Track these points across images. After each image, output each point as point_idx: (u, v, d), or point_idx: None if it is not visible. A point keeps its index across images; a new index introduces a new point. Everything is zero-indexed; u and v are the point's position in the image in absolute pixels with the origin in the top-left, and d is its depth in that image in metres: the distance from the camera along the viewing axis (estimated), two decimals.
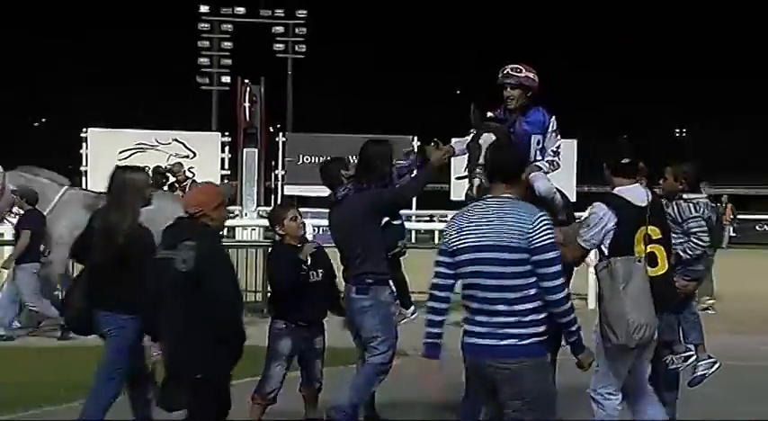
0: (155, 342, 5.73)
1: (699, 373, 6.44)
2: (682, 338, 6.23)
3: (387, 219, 6.70)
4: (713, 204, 6.80)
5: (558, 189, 6.87)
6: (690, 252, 6.23)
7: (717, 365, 6.50)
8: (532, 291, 4.48)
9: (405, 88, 47.97)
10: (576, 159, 26.49)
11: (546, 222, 4.56)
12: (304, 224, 6.44)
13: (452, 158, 7.00)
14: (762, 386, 8.46)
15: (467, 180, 6.48)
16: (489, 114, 6.83)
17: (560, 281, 4.51)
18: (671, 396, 6.26)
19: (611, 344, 5.37)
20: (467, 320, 4.60)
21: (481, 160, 6.35)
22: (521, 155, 4.98)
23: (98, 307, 5.96)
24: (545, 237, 4.49)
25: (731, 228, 30.50)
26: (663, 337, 5.70)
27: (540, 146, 6.91)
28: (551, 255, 4.49)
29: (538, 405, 4.50)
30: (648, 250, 5.56)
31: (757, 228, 33.62)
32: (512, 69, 6.88)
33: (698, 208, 6.37)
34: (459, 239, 4.61)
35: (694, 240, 6.24)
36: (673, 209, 6.27)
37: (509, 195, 4.65)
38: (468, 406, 6.08)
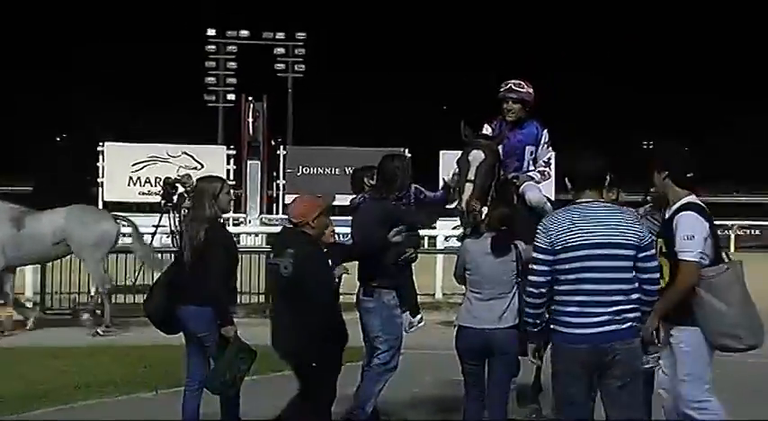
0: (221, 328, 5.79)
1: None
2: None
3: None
4: None
5: (548, 198, 6.78)
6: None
7: None
8: (637, 282, 4.73)
9: (395, 104, 47.88)
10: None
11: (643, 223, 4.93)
12: (335, 232, 6.31)
13: (441, 165, 6.92)
14: (726, 379, 8.34)
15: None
16: (486, 130, 6.75)
17: (658, 274, 4.83)
18: (646, 393, 6.10)
19: (735, 346, 5.21)
20: (570, 313, 4.66)
21: (470, 176, 6.24)
22: (606, 163, 4.98)
23: (178, 302, 5.94)
24: (650, 236, 4.82)
25: None
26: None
27: (533, 156, 6.84)
28: (653, 251, 4.86)
29: (638, 377, 4.81)
30: None
31: (719, 232, 33.53)
32: (515, 84, 6.87)
33: None
34: (565, 239, 4.69)
35: None
36: (661, 215, 6.09)
37: (601, 200, 4.83)
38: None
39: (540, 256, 4.73)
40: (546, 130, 6.91)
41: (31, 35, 48.45)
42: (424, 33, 50.89)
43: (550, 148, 6.93)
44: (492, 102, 7.02)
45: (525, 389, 6.86)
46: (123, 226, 11.95)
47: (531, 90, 6.87)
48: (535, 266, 4.75)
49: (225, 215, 6.33)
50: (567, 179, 5.01)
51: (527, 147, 6.85)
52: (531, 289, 4.80)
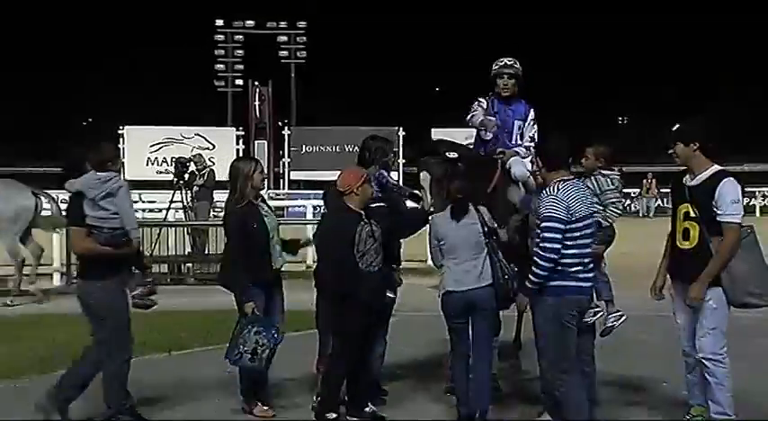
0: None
1: (608, 325, 6.13)
2: (594, 296, 5.81)
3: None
4: (621, 179, 6.54)
5: (531, 173, 6.71)
6: (610, 220, 6.04)
7: (624, 318, 6.16)
8: None
9: (391, 87, 47.67)
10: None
11: None
12: None
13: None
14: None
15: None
16: (482, 104, 6.69)
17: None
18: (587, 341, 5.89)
19: (756, 303, 5.23)
20: (575, 272, 5.09)
21: (428, 205, 6.10)
22: (570, 144, 5.33)
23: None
24: None
25: (657, 200, 30.48)
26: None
27: (521, 131, 6.79)
28: None
29: None
30: None
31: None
32: (509, 61, 6.79)
33: (614, 182, 6.16)
34: (577, 209, 5.08)
35: (612, 209, 6.06)
36: (591, 182, 6.04)
37: (570, 177, 5.19)
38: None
39: (558, 225, 5.03)
40: (532, 109, 6.84)
41: (55, 33, 48.13)
42: (415, 23, 50.57)
43: (535, 125, 6.84)
44: (481, 82, 6.97)
45: (506, 347, 6.89)
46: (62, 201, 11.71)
47: (521, 67, 6.81)
48: (553, 235, 5.03)
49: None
50: (538, 158, 5.21)
51: (515, 122, 6.78)
52: (548, 255, 5.03)
